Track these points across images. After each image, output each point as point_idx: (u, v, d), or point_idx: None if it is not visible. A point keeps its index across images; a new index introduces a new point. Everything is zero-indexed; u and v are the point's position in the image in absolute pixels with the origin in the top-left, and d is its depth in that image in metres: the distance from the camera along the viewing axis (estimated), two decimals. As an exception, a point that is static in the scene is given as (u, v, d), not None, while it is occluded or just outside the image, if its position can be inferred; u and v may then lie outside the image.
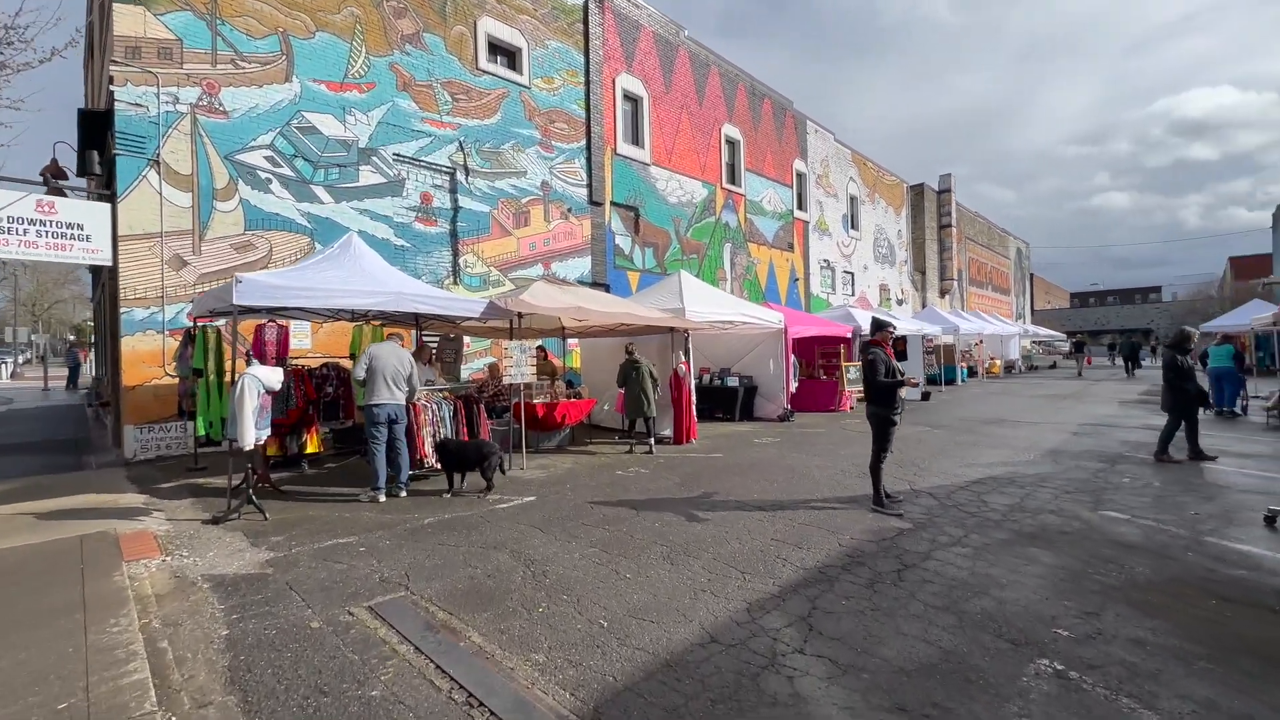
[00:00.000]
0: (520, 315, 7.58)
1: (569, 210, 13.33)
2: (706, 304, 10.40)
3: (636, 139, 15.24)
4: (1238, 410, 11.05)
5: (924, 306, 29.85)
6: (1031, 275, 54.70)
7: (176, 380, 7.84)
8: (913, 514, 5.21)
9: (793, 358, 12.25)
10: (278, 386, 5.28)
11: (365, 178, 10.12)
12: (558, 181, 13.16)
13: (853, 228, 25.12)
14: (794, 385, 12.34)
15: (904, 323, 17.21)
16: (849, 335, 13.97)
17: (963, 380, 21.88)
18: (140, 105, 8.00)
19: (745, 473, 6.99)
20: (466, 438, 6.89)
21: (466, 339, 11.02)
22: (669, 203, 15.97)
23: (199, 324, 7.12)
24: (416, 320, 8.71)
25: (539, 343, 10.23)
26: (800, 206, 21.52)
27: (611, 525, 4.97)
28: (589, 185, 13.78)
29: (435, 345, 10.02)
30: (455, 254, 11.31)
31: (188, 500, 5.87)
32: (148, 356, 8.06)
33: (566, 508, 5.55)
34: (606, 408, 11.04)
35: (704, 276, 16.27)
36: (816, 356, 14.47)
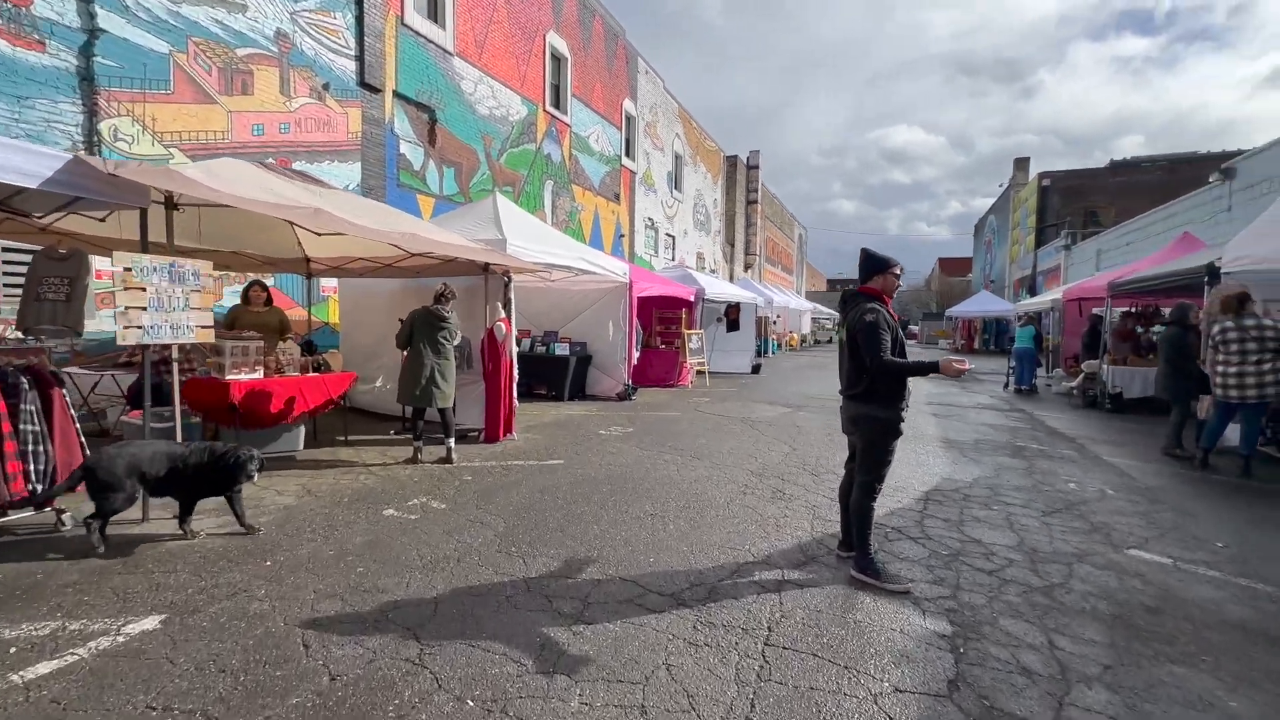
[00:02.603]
0: (174, 201, 3.75)
1: (325, 87, 8.93)
2: (535, 240, 7.37)
3: (435, 14, 11.13)
4: (1031, 387, 11.78)
5: (732, 279, 30.31)
6: (805, 259, 61.27)
7: None
8: (917, 582, 3.11)
9: (636, 322, 9.91)
10: None
11: None
12: (307, 41, 8.65)
13: (677, 188, 23.74)
14: (636, 355, 10.05)
15: (732, 289, 16.15)
16: (691, 298, 12.14)
17: (773, 353, 22.19)
18: None
19: (610, 500, 4.34)
20: (13, 455, 3.02)
21: (99, 266, 6.36)
22: (478, 113, 12.22)
23: None
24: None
25: (253, 277, 6.15)
26: (629, 154, 19.19)
27: (349, 727, 1.90)
28: (360, 59, 9.46)
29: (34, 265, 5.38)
30: (92, 112, 6.40)
31: None
32: None
33: (247, 646, 2.28)
34: (380, 383, 7.44)
35: (521, 216, 12.96)
36: (654, 322, 12.40)
